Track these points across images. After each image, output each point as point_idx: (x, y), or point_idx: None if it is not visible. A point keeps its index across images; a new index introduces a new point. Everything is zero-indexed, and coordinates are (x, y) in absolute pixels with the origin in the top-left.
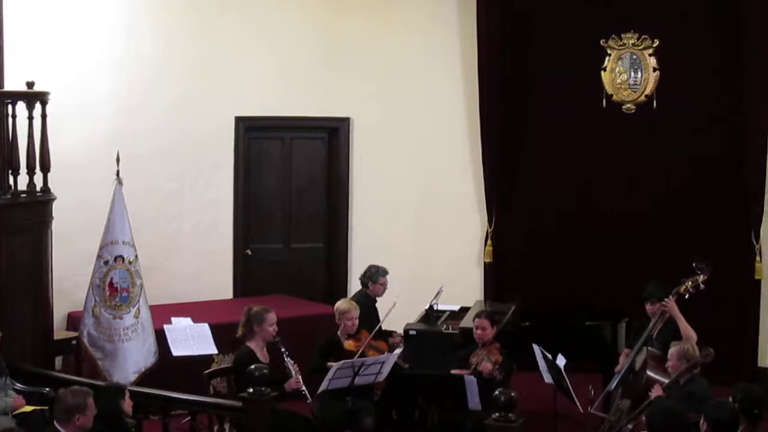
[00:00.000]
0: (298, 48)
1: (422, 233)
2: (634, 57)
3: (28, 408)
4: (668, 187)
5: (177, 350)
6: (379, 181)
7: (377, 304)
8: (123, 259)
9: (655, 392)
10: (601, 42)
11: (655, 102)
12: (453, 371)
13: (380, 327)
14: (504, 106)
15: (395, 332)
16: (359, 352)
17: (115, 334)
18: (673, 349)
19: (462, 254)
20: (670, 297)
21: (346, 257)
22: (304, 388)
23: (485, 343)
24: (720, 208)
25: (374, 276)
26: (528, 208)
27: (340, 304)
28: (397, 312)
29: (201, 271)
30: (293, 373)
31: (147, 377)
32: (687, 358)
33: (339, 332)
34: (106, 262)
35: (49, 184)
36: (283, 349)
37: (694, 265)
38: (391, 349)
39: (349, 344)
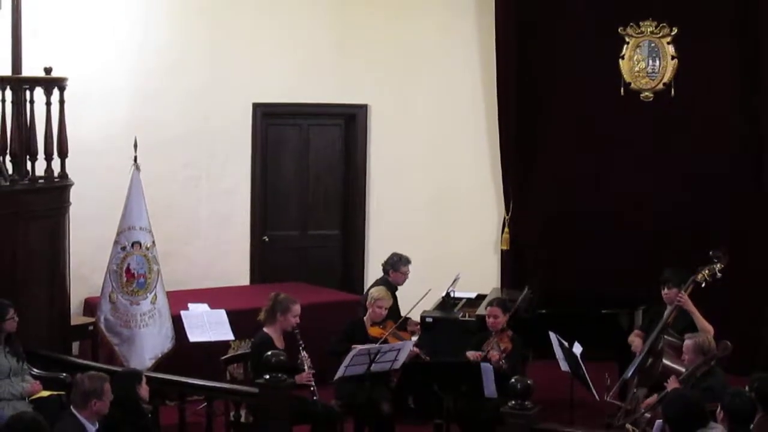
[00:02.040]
0: (315, 34)
1: (439, 220)
2: (653, 45)
3: (45, 393)
4: (686, 174)
5: (194, 336)
6: (397, 168)
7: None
8: (140, 244)
9: (671, 384)
10: (620, 30)
11: (673, 90)
12: (468, 352)
13: (405, 318)
14: (521, 93)
15: (410, 319)
16: (382, 339)
17: (132, 319)
18: (688, 342)
19: (479, 241)
20: (685, 288)
21: (362, 244)
22: (313, 384)
23: (498, 330)
24: (738, 196)
25: (396, 264)
26: (545, 196)
27: (375, 291)
28: (415, 299)
29: (218, 258)
30: (306, 367)
31: (163, 363)
32: (704, 351)
33: (366, 317)
34: (124, 248)
35: (67, 170)
36: (300, 342)
37: (710, 253)
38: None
39: (374, 330)
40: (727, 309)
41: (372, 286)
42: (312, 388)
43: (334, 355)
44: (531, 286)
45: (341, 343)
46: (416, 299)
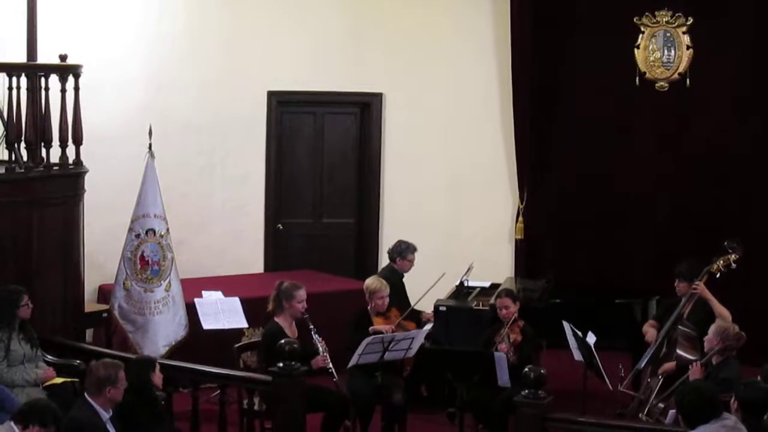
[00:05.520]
0: (330, 22)
1: (453, 209)
2: (668, 35)
3: (59, 380)
4: (701, 164)
5: (207, 324)
6: (411, 157)
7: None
8: (154, 232)
9: (694, 372)
10: (635, 19)
11: (688, 80)
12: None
13: (413, 309)
14: (536, 83)
15: (424, 312)
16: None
17: (146, 307)
18: (713, 326)
19: (493, 230)
20: (699, 279)
21: (376, 233)
22: (330, 365)
23: (510, 321)
24: (753, 186)
25: (404, 252)
26: (559, 185)
27: (370, 283)
28: (427, 287)
29: (232, 245)
30: (320, 350)
31: (177, 350)
32: (723, 337)
33: (369, 308)
34: (138, 235)
35: (82, 157)
36: (311, 326)
37: (725, 244)
38: (420, 326)
39: (378, 321)
40: (740, 299)
41: (378, 275)
42: (330, 370)
43: (353, 348)
44: (546, 276)
45: (354, 336)
46: (429, 287)
